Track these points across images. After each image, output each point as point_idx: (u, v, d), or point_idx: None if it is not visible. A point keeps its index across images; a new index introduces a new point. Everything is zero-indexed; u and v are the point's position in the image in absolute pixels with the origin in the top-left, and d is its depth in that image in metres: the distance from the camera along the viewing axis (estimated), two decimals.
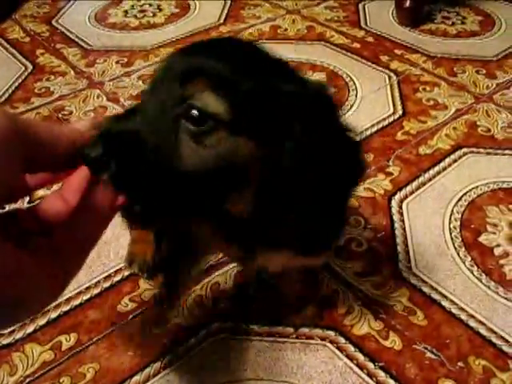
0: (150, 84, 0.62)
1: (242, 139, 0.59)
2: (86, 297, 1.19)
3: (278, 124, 0.61)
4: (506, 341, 1.09)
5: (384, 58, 2.06)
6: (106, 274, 1.23)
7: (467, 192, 1.44)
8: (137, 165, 0.52)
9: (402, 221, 1.35)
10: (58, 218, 0.43)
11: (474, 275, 1.22)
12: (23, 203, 1.28)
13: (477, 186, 1.46)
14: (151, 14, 2.44)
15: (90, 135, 0.49)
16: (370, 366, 1.05)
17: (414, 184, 1.46)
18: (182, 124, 0.56)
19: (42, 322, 1.13)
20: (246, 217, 0.68)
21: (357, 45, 2.17)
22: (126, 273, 1.23)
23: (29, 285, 0.38)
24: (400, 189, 1.44)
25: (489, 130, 1.67)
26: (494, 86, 1.91)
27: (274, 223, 0.71)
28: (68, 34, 2.28)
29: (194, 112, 0.56)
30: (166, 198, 0.56)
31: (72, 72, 2.00)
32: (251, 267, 0.88)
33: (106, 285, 1.21)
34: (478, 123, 1.71)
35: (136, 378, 1.04)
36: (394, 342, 1.09)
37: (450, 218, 1.36)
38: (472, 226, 1.34)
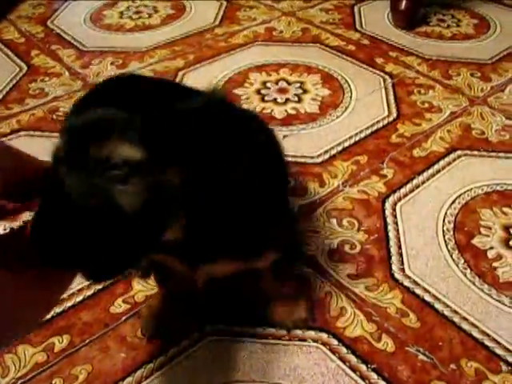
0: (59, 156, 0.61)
1: (160, 173, 0.60)
2: (78, 298, 1.19)
3: (185, 144, 0.63)
4: (499, 343, 1.09)
5: (379, 61, 2.07)
6: None
7: (461, 194, 1.44)
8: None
9: (396, 223, 1.35)
10: None
11: (467, 278, 1.22)
12: None
13: (471, 189, 1.46)
14: (147, 16, 2.44)
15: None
16: (363, 368, 1.05)
17: (408, 186, 1.46)
18: (109, 178, 0.58)
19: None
20: (183, 238, 0.70)
21: (352, 47, 2.17)
22: None
23: (11, 303, 0.38)
24: (394, 191, 1.44)
25: (483, 133, 1.68)
26: (489, 88, 1.91)
27: (208, 237, 0.74)
28: (63, 35, 2.28)
29: (117, 164, 0.57)
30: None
31: (67, 73, 2.00)
32: (200, 276, 0.89)
33: (99, 286, 1.21)
34: (473, 126, 1.71)
35: (128, 379, 1.04)
36: (386, 344, 1.09)
37: (444, 221, 1.36)
38: (465, 229, 1.34)
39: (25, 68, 2.03)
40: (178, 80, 1.91)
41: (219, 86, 0.71)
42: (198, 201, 0.66)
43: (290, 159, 1.53)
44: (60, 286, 0.44)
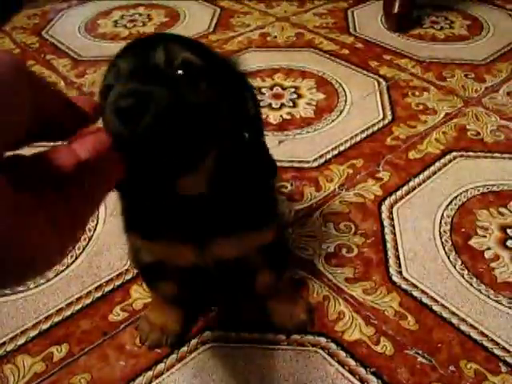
0: (119, 71, 0.63)
1: (218, 88, 0.66)
2: (77, 307, 1.19)
3: (234, 84, 0.72)
4: (497, 344, 1.09)
5: (373, 64, 2.07)
6: (97, 284, 1.23)
7: (457, 196, 1.44)
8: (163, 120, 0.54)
9: (393, 226, 1.35)
10: (64, 170, 0.42)
11: (464, 279, 1.22)
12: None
13: (467, 190, 1.46)
14: (141, 24, 2.44)
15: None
16: (362, 371, 1.05)
17: (404, 189, 1.46)
18: (177, 76, 0.61)
19: (33, 333, 1.13)
20: (203, 190, 0.74)
21: (346, 51, 2.17)
22: (117, 282, 1.23)
23: (30, 227, 0.36)
24: (390, 194, 1.45)
25: (478, 134, 1.68)
26: (483, 89, 1.92)
27: (227, 198, 0.79)
28: (58, 44, 2.29)
29: (181, 63, 0.62)
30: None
31: (62, 83, 2.00)
32: (207, 260, 0.91)
33: (98, 295, 1.21)
34: (468, 127, 1.71)
35: None
36: (385, 347, 1.09)
37: (441, 222, 1.36)
38: (462, 230, 1.35)
39: None
40: None
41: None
42: (228, 151, 0.71)
43: (285, 164, 1.53)
44: (83, 213, 0.42)
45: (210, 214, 0.81)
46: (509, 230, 1.34)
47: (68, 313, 1.17)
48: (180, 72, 0.61)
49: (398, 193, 1.45)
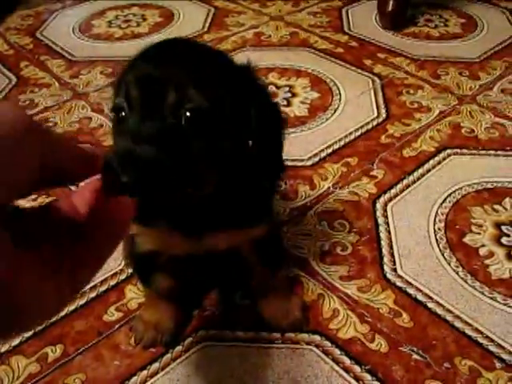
0: (129, 97, 0.68)
1: (223, 125, 0.72)
2: (71, 307, 1.18)
3: (238, 105, 0.76)
4: (492, 340, 1.09)
5: (367, 62, 2.07)
6: (91, 284, 1.23)
7: (451, 193, 1.44)
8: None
9: (387, 223, 1.35)
10: (67, 224, 0.42)
11: (459, 276, 1.22)
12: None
13: (461, 187, 1.46)
14: (135, 24, 2.44)
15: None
16: (357, 369, 1.05)
17: (399, 186, 1.46)
18: (183, 127, 0.67)
19: (27, 334, 1.13)
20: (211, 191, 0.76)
21: (340, 49, 2.17)
22: (112, 282, 1.23)
23: (28, 287, 0.36)
24: (384, 192, 1.45)
25: (472, 131, 1.68)
26: (477, 87, 1.92)
27: (227, 198, 0.83)
28: (52, 45, 2.28)
29: (188, 114, 0.67)
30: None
31: (56, 83, 2.00)
32: (201, 250, 0.94)
33: (92, 295, 1.21)
34: (462, 124, 1.72)
35: None
36: (380, 344, 1.09)
37: (435, 220, 1.36)
38: (457, 227, 1.35)
39: (14, 80, 2.03)
40: None
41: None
42: (233, 164, 0.76)
43: None
44: (84, 275, 0.42)
45: (208, 209, 0.84)
46: (503, 227, 1.34)
47: (63, 313, 1.17)
48: (186, 122, 0.67)
49: (393, 190, 1.45)
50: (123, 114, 0.69)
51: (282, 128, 0.85)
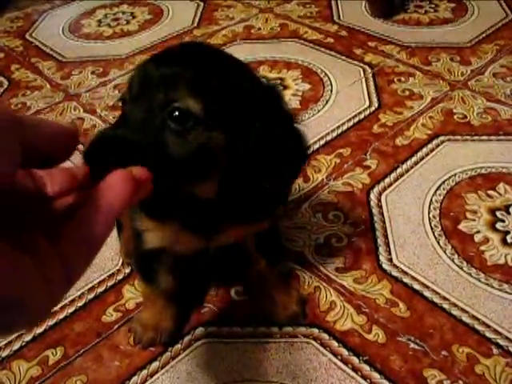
0: (130, 92, 0.71)
1: (214, 133, 0.70)
2: (70, 310, 1.19)
3: (241, 117, 0.74)
4: (489, 327, 1.10)
5: (358, 52, 2.07)
6: (89, 286, 1.23)
7: (445, 180, 1.44)
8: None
9: (382, 213, 1.35)
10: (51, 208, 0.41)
11: (455, 263, 1.23)
12: None
13: (455, 174, 1.46)
14: (125, 22, 2.44)
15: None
16: (355, 360, 1.06)
17: (392, 176, 1.46)
18: (168, 125, 0.67)
19: (27, 337, 1.13)
20: (213, 196, 0.80)
21: (330, 40, 2.17)
22: (110, 283, 1.24)
23: (24, 285, 0.35)
24: (378, 182, 1.45)
25: (465, 117, 1.68)
26: (469, 72, 1.92)
27: (235, 198, 0.82)
28: (42, 47, 2.28)
29: (176, 113, 0.67)
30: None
31: (48, 85, 1.99)
32: (209, 247, 0.95)
33: (91, 296, 1.21)
34: (454, 111, 1.72)
35: None
36: (377, 335, 1.10)
37: (429, 208, 1.37)
38: (451, 214, 1.35)
39: (6, 83, 2.03)
40: None
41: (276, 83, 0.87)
42: (232, 167, 0.75)
43: None
44: (78, 267, 0.40)
45: (217, 212, 0.86)
46: (498, 213, 1.35)
47: (62, 316, 1.18)
48: (171, 120, 0.67)
49: (386, 180, 1.45)
50: (124, 106, 0.72)
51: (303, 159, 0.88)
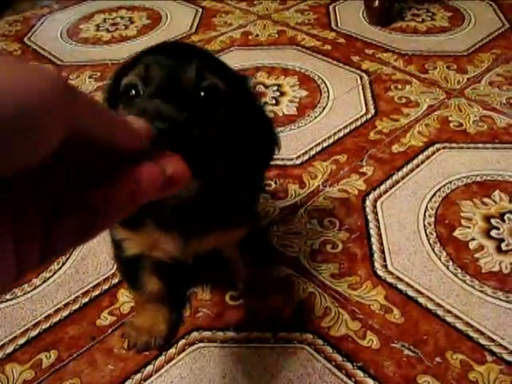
0: (148, 79, 0.69)
1: (234, 108, 0.75)
2: (65, 313, 1.19)
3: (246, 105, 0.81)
4: (483, 334, 1.10)
5: (355, 59, 2.08)
6: (84, 290, 1.23)
7: (441, 188, 1.45)
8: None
9: (377, 220, 1.36)
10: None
11: (449, 270, 1.23)
12: None
13: (450, 181, 1.47)
14: (123, 27, 2.44)
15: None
16: (349, 366, 1.06)
17: (388, 183, 1.47)
18: (202, 101, 0.69)
19: (21, 341, 1.13)
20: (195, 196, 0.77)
21: (328, 47, 2.18)
22: (105, 287, 1.24)
23: None
24: (374, 188, 1.45)
25: (461, 125, 1.69)
26: (465, 80, 1.93)
27: (212, 203, 0.84)
28: (40, 51, 2.27)
29: (208, 89, 0.70)
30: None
31: None
32: (187, 253, 0.95)
33: (85, 300, 1.21)
34: (450, 118, 1.72)
35: None
36: (371, 341, 1.10)
37: (425, 215, 1.37)
38: (446, 222, 1.35)
39: None
40: None
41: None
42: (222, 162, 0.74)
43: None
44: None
45: (194, 214, 0.85)
46: (492, 220, 1.35)
47: (56, 319, 1.18)
48: (204, 94, 0.70)
49: (382, 187, 1.46)
50: (134, 92, 0.70)
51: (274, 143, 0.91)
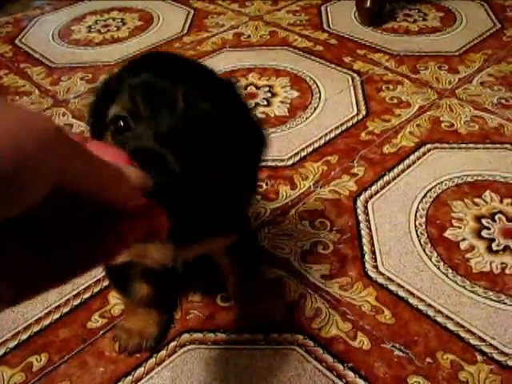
0: (138, 106, 0.69)
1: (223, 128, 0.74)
2: (56, 316, 1.19)
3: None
4: (474, 334, 1.10)
5: (347, 59, 2.08)
6: (75, 292, 1.23)
7: (432, 188, 1.45)
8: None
9: (368, 221, 1.36)
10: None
11: (440, 271, 1.23)
12: None
13: (441, 182, 1.47)
14: (115, 29, 2.43)
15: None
16: (339, 367, 1.06)
17: (379, 183, 1.47)
18: (193, 128, 0.69)
19: (12, 344, 1.13)
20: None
21: (320, 47, 2.18)
22: (96, 289, 1.23)
23: None
24: (365, 189, 1.45)
25: (452, 125, 1.69)
26: (457, 80, 1.93)
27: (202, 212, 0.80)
28: (32, 52, 2.27)
29: (198, 115, 0.70)
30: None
31: (37, 91, 1.99)
32: (177, 261, 0.95)
33: (76, 302, 1.21)
34: (442, 119, 1.72)
35: None
36: (362, 342, 1.10)
37: (416, 215, 1.37)
38: (437, 222, 1.36)
39: None
40: None
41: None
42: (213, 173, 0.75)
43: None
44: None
45: (184, 223, 0.82)
46: (483, 220, 1.35)
47: (47, 322, 1.17)
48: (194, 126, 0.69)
49: (373, 187, 1.46)
50: (123, 124, 0.70)
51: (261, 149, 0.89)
